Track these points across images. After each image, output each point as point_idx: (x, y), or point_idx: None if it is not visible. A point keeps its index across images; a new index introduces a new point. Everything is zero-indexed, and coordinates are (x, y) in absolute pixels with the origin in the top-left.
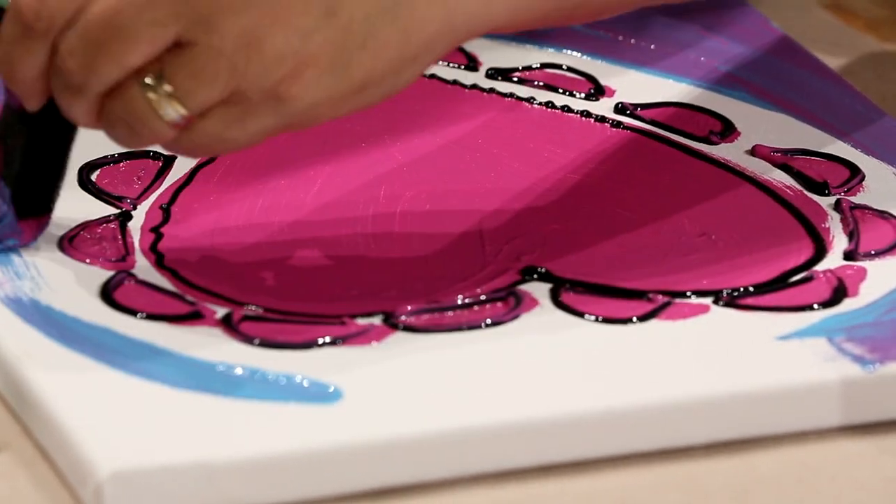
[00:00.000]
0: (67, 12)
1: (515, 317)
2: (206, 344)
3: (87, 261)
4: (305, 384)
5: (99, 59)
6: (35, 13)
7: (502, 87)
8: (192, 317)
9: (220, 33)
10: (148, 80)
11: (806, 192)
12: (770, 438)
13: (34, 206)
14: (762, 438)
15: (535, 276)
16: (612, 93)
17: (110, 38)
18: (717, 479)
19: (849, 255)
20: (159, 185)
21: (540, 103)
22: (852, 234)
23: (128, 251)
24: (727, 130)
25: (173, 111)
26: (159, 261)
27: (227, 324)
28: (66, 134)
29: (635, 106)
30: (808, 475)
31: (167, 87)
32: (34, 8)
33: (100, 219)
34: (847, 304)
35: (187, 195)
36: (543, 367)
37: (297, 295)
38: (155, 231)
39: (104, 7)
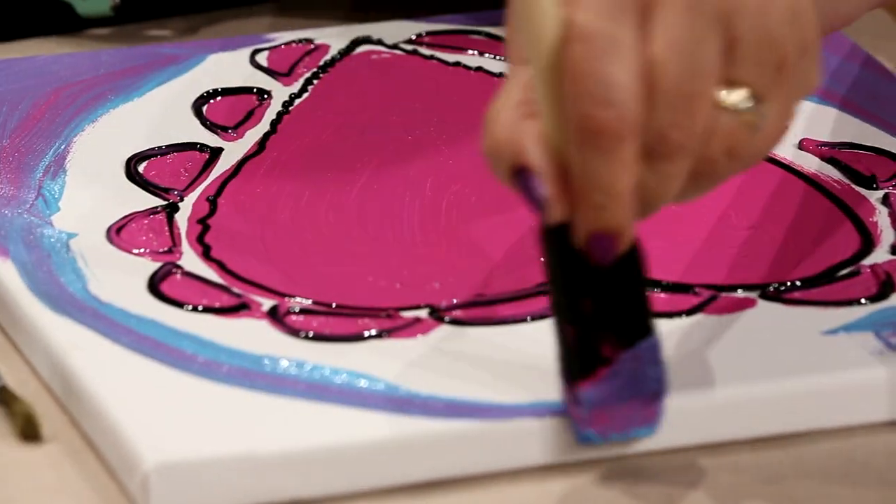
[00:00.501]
0: (637, 102)
1: None
2: (253, 337)
3: (135, 252)
4: (353, 378)
5: (695, 107)
6: (614, 124)
7: None
8: (239, 309)
9: (750, 11)
10: (726, 97)
11: (853, 186)
12: (817, 433)
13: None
14: (808, 433)
15: None
16: None
17: (690, 84)
18: (763, 474)
19: None
20: (206, 177)
21: None
22: None
23: (175, 243)
24: None
25: (756, 113)
26: (206, 252)
27: (274, 316)
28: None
29: None
30: (854, 469)
31: (742, 92)
32: (612, 120)
33: (147, 210)
34: (895, 299)
35: (234, 187)
36: None
37: (344, 288)
38: (202, 222)
39: (667, 59)
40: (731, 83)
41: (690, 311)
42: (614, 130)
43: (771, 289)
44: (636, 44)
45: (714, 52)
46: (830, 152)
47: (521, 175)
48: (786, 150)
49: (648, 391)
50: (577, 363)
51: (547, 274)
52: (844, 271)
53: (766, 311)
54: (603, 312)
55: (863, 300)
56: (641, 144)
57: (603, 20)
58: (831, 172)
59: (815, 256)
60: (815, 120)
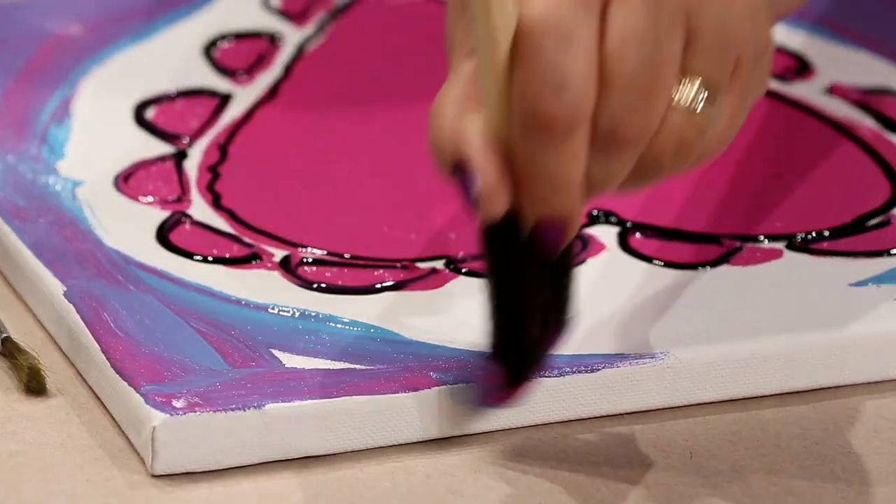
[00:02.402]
0: (591, 94)
1: (582, 261)
2: (264, 287)
3: (143, 200)
4: (366, 330)
5: (652, 101)
6: (564, 115)
7: None
8: (250, 259)
9: (712, 6)
10: (681, 91)
11: (885, 133)
12: (845, 388)
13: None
14: (836, 388)
15: (603, 219)
16: None
17: (646, 78)
18: (790, 430)
19: None
20: (216, 123)
21: None
22: None
23: (184, 191)
24: (803, 68)
25: (707, 113)
26: (216, 201)
27: (286, 267)
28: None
29: None
30: (883, 425)
31: (696, 86)
32: (562, 111)
33: (155, 157)
34: None
35: (245, 134)
36: (610, 313)
37: (358, 238)
38: (212, 170)
39: (624, 52)
40: (688, 75)
41: (715, 262)
42: (566, 121)
43: (798, 239)
44: (593, 34)
45: (673, 46)
46: (861, 97)
47: (460, 170)
48: (815, 96)
49: (541, 373)
50: (513, 345)
51: (487, 266)
52: (874, 221)
53: (792, 262)
54: (545, 300)
55: (893, 251)
56: (592, 135)
57: (560, 9)
58: (862, 118)
59: (843, 205)
60: (845, 64)
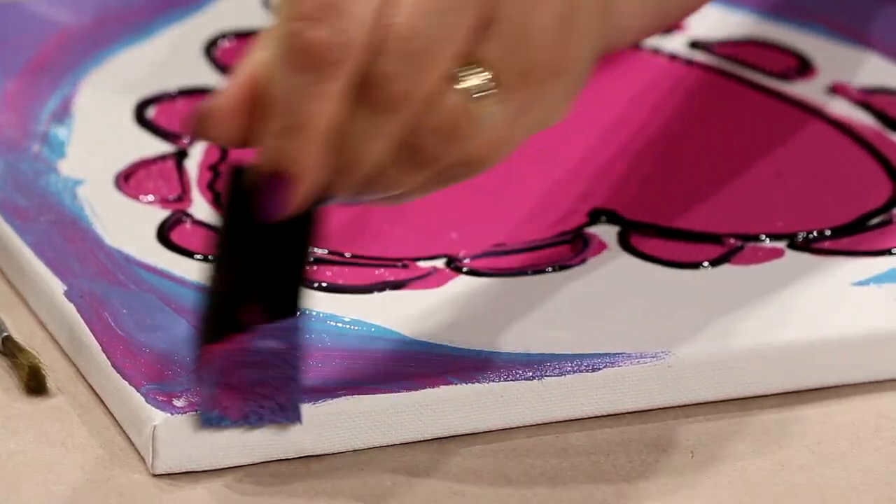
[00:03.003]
0: (363, 37)
1: (583, 261)
2: None
3: (143, 199)
4: (367, 329)
5: (425, 67)
6: (327, 46)
7: None
8: None
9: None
10: (462, 75)
11: (886, 132)
12: (846, 387)
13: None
14: (837, 387)
15: (604, 218)
16: (682, 27)
17: (427, 41)
18: (791, 429)
19: None
20: None
21: None
22: None
23: (185, 190)
24: (804, 67)
25: (485, 106)
26: (217, 200)
27: None
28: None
29: (711, 43)
30: (884, 424)
31: (482, 76)
32: (326, 41)
33: (156, 157)
34: None
35: None
36: (610, 312)
37: (359, 237)
38: (213, 169)
39: (411, 11)
40: (475, 62)
41: (716, 261)
42: (330, 50)
43: (799, 238)
44: None
45: (462, 22)
46: (863, 97)
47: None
48: (817, 95)
49: (281, 375)
50: (212, 323)
51: (218, 214)
52: (876, 220)
53: (794, 262)
54: (253, 273)
55: (895, 250)
56: (357, 87)
57: None
58: (863, 118)
59: (845, 205)
60: (847, 63)
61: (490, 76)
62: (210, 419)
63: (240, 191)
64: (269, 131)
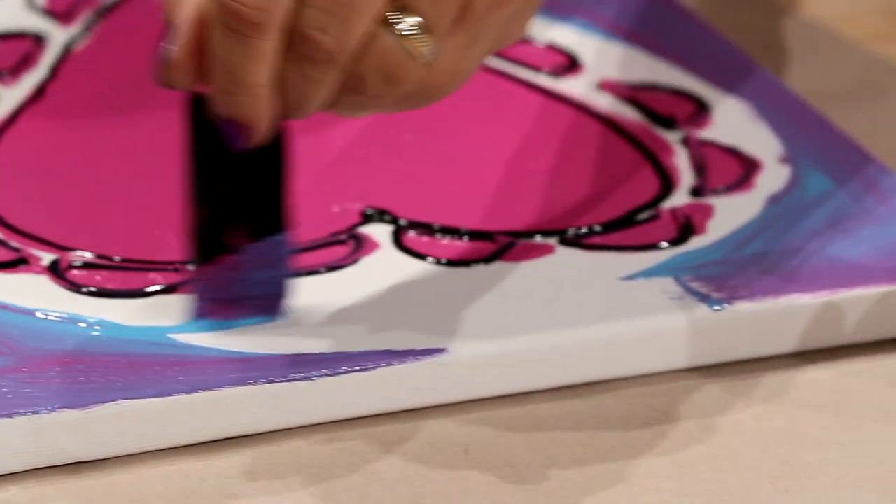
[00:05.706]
0: None
1: (355, 261)
2: (31, 292)
3: None
4: (137, 333)
5: (350, 18)
6: (254, 7)
7: None
8: (17, 264)
9: None
10: (394, 19)
11: (653, 127)
12: (616, 381)
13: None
14: (608, 381)
15: (377, 217)
16: None
17: None
18: (564, 424)
19: (696, 192)
20: None
21: None
22: (700, 170)
23: None
24: (573, 64)
25: (423, 45)
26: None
27: (55, 271)
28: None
29: None
30: (653, 417)
31: (413, 20)
32: (253, 3)
33: None
34: (694, 242)
35: (11, 136)
36: (383, 312)
37: (129, 241)
38: None
39: None
40: (405, 9)
41: (489, 259)
42: (257, 14)
43: (570, 234)
44: None
45: None
46: (630, 92)
47: (167, 33)
48: (583, 90)
49: (270, 289)
50: (202, 247)
51: (186, 145)
52: (644, 215)
53: (564, 258)
54: (234, 199)
55: (662, 244)
56: (289, 42)
57: None
58: (630, 113)
59: (614, 200)
60: (614, 60)
61: (421, 20)
62: (207, 327)
63: (203, 122)
64: (221, 86)
